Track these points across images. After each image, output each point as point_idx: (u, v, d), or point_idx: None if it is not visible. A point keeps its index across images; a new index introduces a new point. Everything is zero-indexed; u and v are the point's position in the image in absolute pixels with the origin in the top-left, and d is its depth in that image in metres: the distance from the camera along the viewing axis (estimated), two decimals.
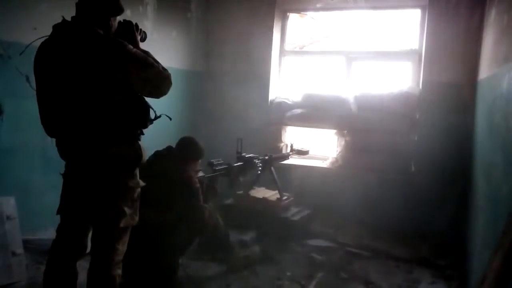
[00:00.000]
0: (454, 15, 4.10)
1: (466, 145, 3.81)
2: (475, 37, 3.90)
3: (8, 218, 2.95)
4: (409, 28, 4.73)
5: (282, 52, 5.16)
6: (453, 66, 4.11)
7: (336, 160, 4.68)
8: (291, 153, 4.50)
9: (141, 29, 2.28)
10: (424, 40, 4.36)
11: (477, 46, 3.85)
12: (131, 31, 2.21)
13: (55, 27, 2.09)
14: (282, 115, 4.84)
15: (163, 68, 2.13)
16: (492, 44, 3.16)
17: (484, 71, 3.38)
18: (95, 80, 1.99)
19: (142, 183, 2.23)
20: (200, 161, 3.20)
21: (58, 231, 2.26)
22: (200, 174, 3.20)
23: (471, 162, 3.64)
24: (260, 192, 4.27)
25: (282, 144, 5.01)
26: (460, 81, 4.05)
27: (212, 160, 3.31)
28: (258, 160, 3.80)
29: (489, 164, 2.75)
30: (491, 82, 2.99)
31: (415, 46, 4.58)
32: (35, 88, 2.14)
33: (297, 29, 5.29)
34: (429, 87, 4.25)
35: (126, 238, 2.21)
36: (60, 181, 2.25)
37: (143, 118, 2.17)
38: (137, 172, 2.22)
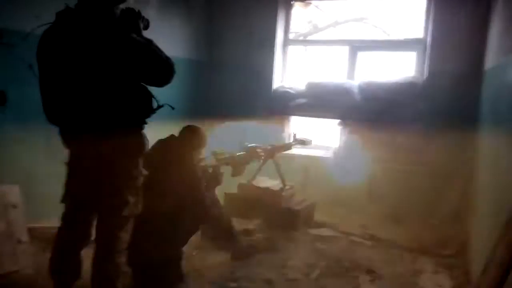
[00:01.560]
0: (460, 3, 4.06)
1: (470, 135, 3.79)
2: (481, 26, 3.86)
3: (13, 206, 2.97)
4: (414, 17, 4.68)
5: (286, 41, 5.12)
6: (458, 56, 4.07)
7: (340, 150, 4.67)
8: (294, 143, 4.49)
9: (144, 17, 2.27)
10: (429, 29, 4.32)
11: (483, 35, 3.81)
12: (134, 19, 2.20)
13: (58, 14, 2.08)
14: (286, 105, 4.82)
15: (166, 57, 2.13)
16: (499, 33, 3.12)
17: (490, 61, 3.35)
18: (97, 69, 1.99)
19: (145, 172, 2.24)
20: (203, 150, 3.20)
21: (62, 219, 2.28)
22: (204, 163, 3.20)
23: (476, 152, 3.62)
24: (263, 182, 4.27)
25: (285, 134, 5.01)
26: (466, 71, 4.02)
27: (215, 150, 3.32)
28: (261, 149, 3.80)
29: (494, 154, 2.73)
30: (497, 72, 2.96)
31: (420, 35, 4.54)
32: (38, 76, 2.14)
33: (301, 17, 5.25)
34: (434, 76, 4.23)
35: (129, 227, 2.23)
36: (64, 169, 2.26)
37: (146, 107, 2.17)
38: (141, 161, 2.23)
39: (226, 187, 4.03)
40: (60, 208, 2.29)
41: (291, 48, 5.18)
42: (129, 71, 2.03)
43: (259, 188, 4.16)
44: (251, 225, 3.84)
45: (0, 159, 3.10)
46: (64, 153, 2.25)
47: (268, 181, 4.31)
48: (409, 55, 4.73)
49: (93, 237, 2.29)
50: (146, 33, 2.26)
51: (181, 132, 3.15)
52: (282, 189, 4.15)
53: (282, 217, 3.93)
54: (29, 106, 3.03)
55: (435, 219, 4.08)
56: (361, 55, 4.85)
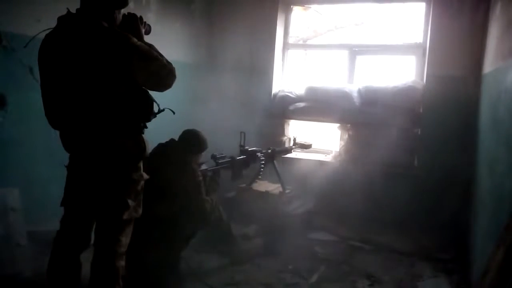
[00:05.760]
0: (459, 8, 4.07)
1: (469, 139, 3.80)
2: (480, 30, 3.88)
3: (12, 209, 2.96)
4: (413, 22, 4.70)
5: (286, 45, 5.14)
6: (457, 60, 4.09)
7: (339, 154, 4.67)
8: (294, 146, 4.50)
9: (145, 22, 2.28)
10: (428, 34, 4.34)
11: (482, 40, 3.83)
12: (136, 24, 2.21)
13: (60, 19, 2.08)
14: (285, 109, 4.83)
15: (167, 62, 2.13)
16: (497, 38, 3.13)
17: (489, 65, 3.36)
18: (99, 73, 1.99)
19: (146, 176, 2.24)
20: (202, 153, 3.21)
21: (61, 223, 2.28)
22: (203, 167, 3.20)
23: (475, 157, 3.63)
24: (263, 186, 4.27)
25: (285, 138, 5.01)
26: (465, 75, 4.03)
27: (215, 153, 3.32)
28: (261, 153, 3.80)
29: (493, 158, 2.74)
30: (496, 76, 2.97)
31: (420, 39, 4.55)
32: (39, 80, 2.15)
33: (300, 22, 5.26)
34: (433, 81, 4.24)
35: (129, 230, 2.22)
36: (64, 172, 2.26)
37: (147, 111, 2.17)
38: (141, 165, 2.23)
39: (225, 190, 4.05)
40: (59, 212, 2.29)
41: (290, 52, 5.19)
42: (130, 75, 2.04)
43: (258, 192, 4.16)
44: (250, 229, 3.84)
45: None
46: (64, 156, 2.25)
47: (267, 185, 4.31)
48: (408, 60, 4.75)
49: (92, 240, 2.28)
50: (148, 38, 2.27)
51: (182, 136, 3.15)
52: (281, 193, 4.15)
53: (281, 221, 3.92)
54: (29, 109, 3.05)
55: (433, 222, 4.07)
56: (360, 59, 4.86)
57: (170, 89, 2.19)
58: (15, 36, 3.00)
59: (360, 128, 4.52)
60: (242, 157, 3.61)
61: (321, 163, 4.70)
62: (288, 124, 5.10)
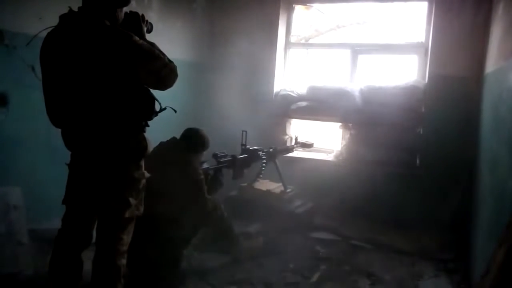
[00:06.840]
0: (461, 8, 4.06)
1: (471, 139, 3.80)
2: (482, 30, 3.87)
3: (14, 207, 2.97)
4: (415, 21, 4.69)
5: (288, 44, 5.13)
6: (459, 60, 4.08)
7: (341, 153, 4.67)
8: (295, 145, 4.50)
9: (147, 21, 2.27)
10: (430, 33, 4.33)
11: (484, 40, 3.82)
12: (138, 23, 2.21)
13: (61, 17, 2.09)
14: (287, 108, 4.83)
15: (169, 60, 2.13)
16: (499, 38, 3.13)
17: (491, 65, 3.36)
18: (101, 71, 1.99)
19: (147, 174, 2.24)
20: (204, 152, 3.21)
21: (63, 221, 2.28)
22: (205, 165, 3.21)
23: (476, 156, 3.62)
24: (264, 185, 4.28)
25: (286, 137, 5.01)
26: (466, 75, 4.03)
27: (216, 152, 3.33)
28: (262, 152, 3.80)
29: (494, 158, 2.74)
30: (497, 76, 2.97)
31: (422, 39, 4.55)
32: (41, 79, 2.15)
33: (302, 21, 5.26)
34: (435, 80, 4.23)
35: (131, 229, 2.23)
36: (66, 171, 2.26)
37: (148, 110, 2.17)
38: (142, 163, 2.23)
39: (227, 189, 4.05)
40: (61, 210, 2.29)
41: (292, 51, 5.19)
42: (131, 74, 2.04)
43: (260, 190, 4.16)
44: (252, 228, 3.84)
45: (1, 160, 3.10)
46: (65, 155, 2.26)
47: (269, 184, 4.31)
48: (410, 59, 4.74)
49: (94, 239, 2.29)
50: (149, 36, 2.27)
51: (183, 135, 3.16)
52: (283, 192, 4.15)
53: (283, 220, 3.93)
54: (31, 107, 3.05)
55: (435, 222, 4.07)
56: (362, 58, 4.85)
57: (171, 88, 2.19)
58: (17, 35, 3.00)
59: (362, 128, 4.52)
60: (243, 156, 3.61)
61: (322, 162, 4.70)
62: (290, 123, 5.11)
